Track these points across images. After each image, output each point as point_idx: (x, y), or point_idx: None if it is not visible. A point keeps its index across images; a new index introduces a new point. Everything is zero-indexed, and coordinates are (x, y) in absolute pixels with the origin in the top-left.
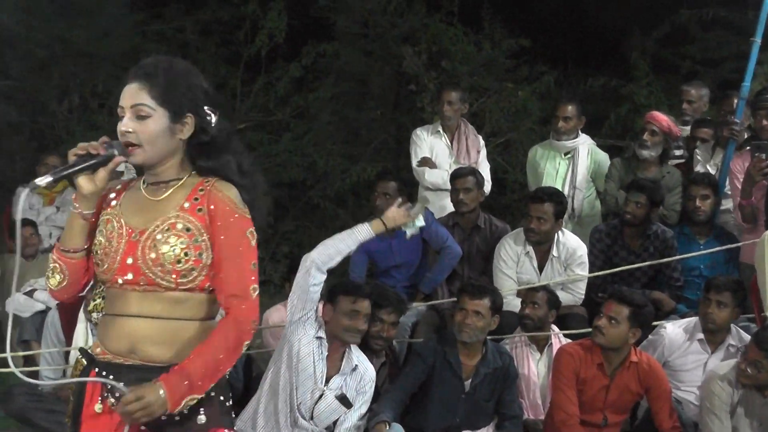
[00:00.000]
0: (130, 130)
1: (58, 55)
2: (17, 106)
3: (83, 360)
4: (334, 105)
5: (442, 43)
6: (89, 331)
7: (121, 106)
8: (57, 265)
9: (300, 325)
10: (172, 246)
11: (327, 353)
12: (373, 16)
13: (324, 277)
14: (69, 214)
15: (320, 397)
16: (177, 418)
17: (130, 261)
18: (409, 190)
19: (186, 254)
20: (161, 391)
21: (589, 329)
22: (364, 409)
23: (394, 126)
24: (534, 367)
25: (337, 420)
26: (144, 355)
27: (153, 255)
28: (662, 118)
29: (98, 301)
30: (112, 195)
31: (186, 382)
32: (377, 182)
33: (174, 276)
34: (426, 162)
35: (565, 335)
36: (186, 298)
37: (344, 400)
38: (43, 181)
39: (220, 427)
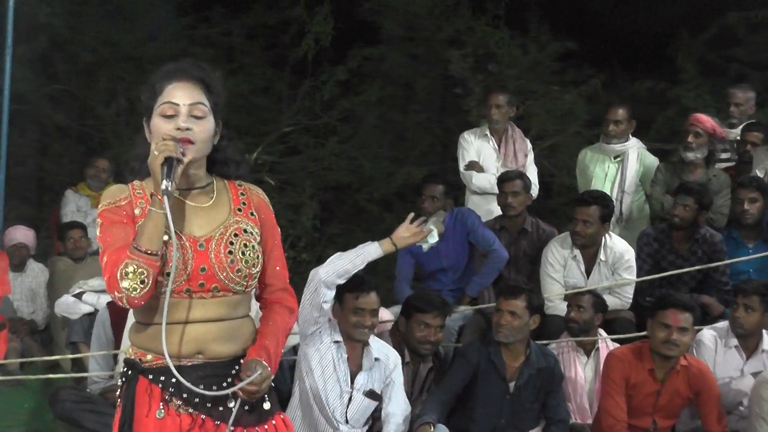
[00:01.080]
0: (190, 127)
1: (105, 59)
2: (65, 109)
3: (128, 371)
4: (380, 108)
5: (488, 46)
6: None
7: (175, 103)
8: (144, 270)
9: (314, 336)
10: (248, 251)
11: (347, 355)
12: (419, 20)
13: (333, 293)
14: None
15: (350, 399)
16: (246, 407)
17: (203, 269)
18: (456, 193)
19: (258, 257)
20: (264, 364)
21: (638, 334)
22: (401, 397)
23: (440, 129)
24: (581, 371)
25: (375, 415)
26: (211, 353)
27: (230, 261)
28: (706, 120)
29: None
30: (124, 204)
31: (268, 357)
32: (424, 185)
33: (247, 279)
34: (473, 166)
35: (613, 340)
36: (243, 299)
37: (373, 395)
38: (170, 186)
39: (280, 411)
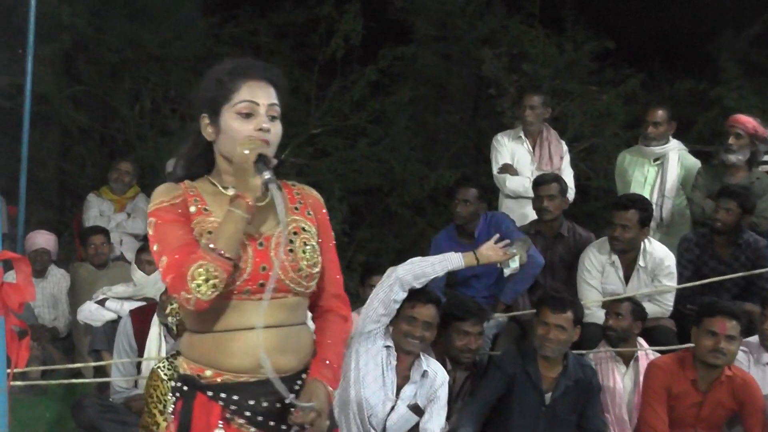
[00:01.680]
0: (269, 128)
1: (129, 60)
2: (88, 111)
3: (184, 387)
4: (412, 109)
5: (523, 45)
6: (163, 338)
7: (255, 102)
8: (218, 274)
9: (370, 336)
10: (308, 249)
11: (396, 362)
12: (452, 18)
13: (405, 295)
14: (139, 220)
15: (392, 408)
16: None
17: (263, 268)
18: (489, 197)
19: (318, 257)
20: (327, 389)
21: (680, 346)
22: (443, 416)
23: (474, 131)
24: (620, 381)
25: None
26: (274, 367)
27: (291, 260)
28: (746, 120)
29: (175, 305)
30: (179, 201)
31: (332, 374)
32: (457, 189)
33: (308, 279)
34: (507, 168)
35: (654, 350)
36: (300, 303)
37: (416, 409)
38: (271, 176)
39: (336, 428)
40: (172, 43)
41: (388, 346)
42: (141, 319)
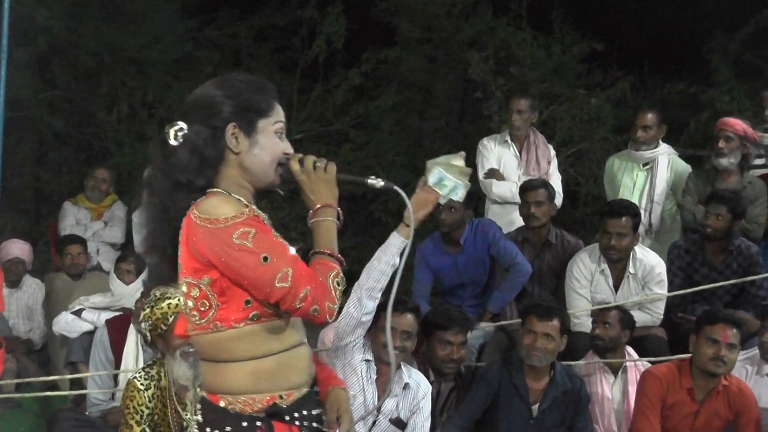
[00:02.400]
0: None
1: (106, 63)
2: (64, 116)
3: (257, 422)
4: (396, 114)
5: (510, 47)
6: (140, 347)
7: (283, 122)
8: (343, 281)
9: (348, 349)
10: None
11: (376, 376)
12: (437, 20)
13: (375, 303)
14: (117, 229)
15: (374, 423)
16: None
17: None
18: (476, 203)
19: None
20: (347, 392)
21: (670, 357)
22: (426, 428)
23: (460, 135)
24: (608, 391)
25: None
26: (313, 376)
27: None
28: (735, 122)
29: (147, 311)
30: (254, 214)
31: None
32: None
33: None
34: (493, 174)
35: (644, 361)
36: None
37: (399, 423)
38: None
39: None
40: (151, 47)
41: (367, 360)
42: (117, 330)
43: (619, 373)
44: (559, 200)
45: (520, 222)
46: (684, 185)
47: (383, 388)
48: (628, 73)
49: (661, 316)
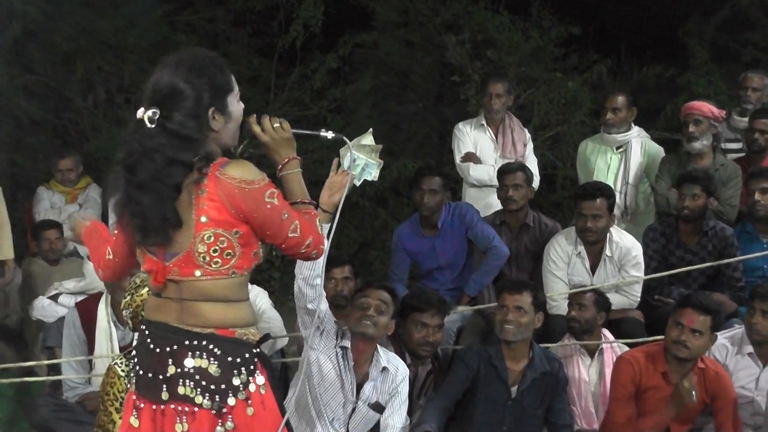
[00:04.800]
0: None
1: (82, 48)
2: (40, 101)
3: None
4: (374, 98)
5: (488, 31)
6: (112, 325)
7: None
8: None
9: (315, 339)
10: None
11: (353, 363)
12: (414, 4)
13: (314, 290)
14: (92, 211)
15: (353, 410)
16: None
17: None
18: (453, 186)
19: None
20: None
21: (649, 339)
22: (404, 411)
23: (437, 119)
24: (585, 373)
25: (373, 428)
26: None
27: None
28: (701, 104)
29: (128, 298)
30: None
31: None
32: (421, 178)
33: None
34: (470, 157)
35: (620, 343)
36: None
37: (378, 407)
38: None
39: None
40: (127, 31)
41: (343, 347)
42: (87, 311)
43: (596, 355)
44: (536, 183)
45: (497, 205)
46: (657, 170)
47: (362, 372)
48: (605, 57)
49: (638, 299)
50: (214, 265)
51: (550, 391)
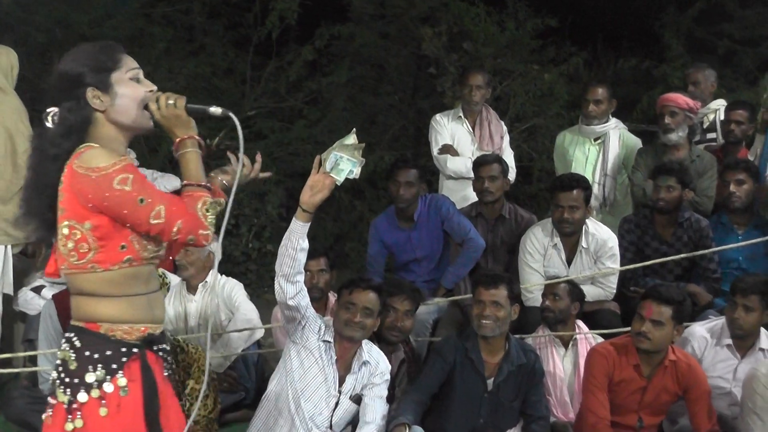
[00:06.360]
0: (156, 88)
1: (58, 40)
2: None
3: (133, 349)
4: (350, 90)
5: (464, 23)
6: None
7: (138, 68)
8: (216, 202)
9: (298, 334)
10: None
11: (336, 357)
12: None
13: (295, 287)
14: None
15: (337, 403)
16: None
17: None
18: (429, 178)
19: None
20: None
21: (623, 329)
22: (378, 408)
23: (413, 111)
24: (560, 364)
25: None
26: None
27: None
28: (677, 96)
29: None
30: (128, 162)
31: None
32: (397, 171)
33: None
34: (447, 149)
35: (594, 333)
36: None
37: (358, 400)
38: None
39: None
40: (103, 23)
41: (326, 341)
42: (65, 302)
43: (570, 345)
44: (512, 175)
45: (473, 197)
46: (634, 161)
47: (345, 366)
48: (582, 49)
49: (614, 290)
50: (72, 259)
51: (526, 383)
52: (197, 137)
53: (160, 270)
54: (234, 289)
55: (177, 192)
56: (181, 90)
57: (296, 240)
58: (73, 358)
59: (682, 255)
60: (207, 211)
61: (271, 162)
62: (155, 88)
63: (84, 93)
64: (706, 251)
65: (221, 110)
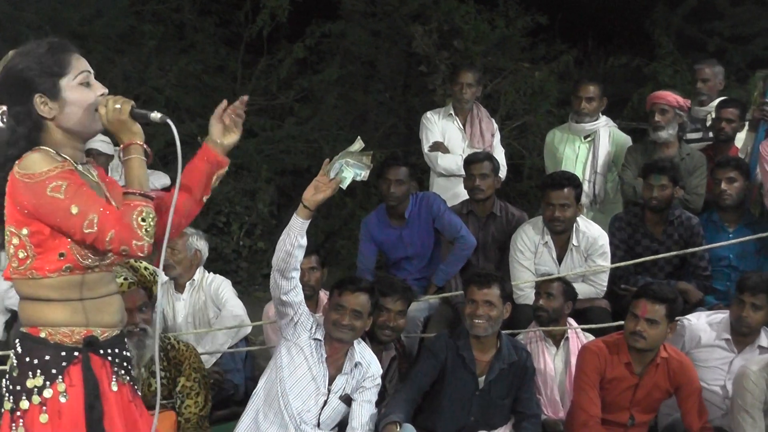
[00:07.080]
0: (107, 91)
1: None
2: None
3: (74, 353)
4: (340, 88)
5: (454, 21)
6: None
7: (89, 71)
8: (154, 213)
9: (289, 330)
10: None
11: (327, 355)
12: None
13: (289, 282)
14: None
15: (325, 402)
16: None
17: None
18: (420, 175)
19: None
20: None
21: (613, 324)
22: (372, 404)
23: (404, 109)
24: (551, 362)
25: (341, 421)
26: (124, 323)
27: None
28: (666, 94)
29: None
30: (68, 167)
31: None
32: (387, 169)
33: None
34: (438, 147)
35: (585, 330)
36: None
37: (347, 400)
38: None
39: None
40: (93, 21)
41: (317, 339)
42: None
43: (561, 343)
44: (503, 173)
45: (464, 195)
46: (624, 159)
47: (336, 366)
48: (572, 47)
49: (605, 288)
50: (13, 265)
51: (517, 381)
52: (142, 144)
53: (152, 268)
54: (221, 285)
55: (166, 190)
56: (172, 87)
57: (295, 236)
58: (15, 364)
59: (673, 253)
60: (143, 221)
61: (262, 159)
62: (106, 90)
63: (32, 99)
64: (696, 249)
65: (160, 116)
